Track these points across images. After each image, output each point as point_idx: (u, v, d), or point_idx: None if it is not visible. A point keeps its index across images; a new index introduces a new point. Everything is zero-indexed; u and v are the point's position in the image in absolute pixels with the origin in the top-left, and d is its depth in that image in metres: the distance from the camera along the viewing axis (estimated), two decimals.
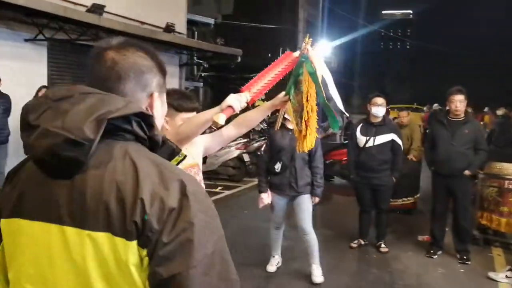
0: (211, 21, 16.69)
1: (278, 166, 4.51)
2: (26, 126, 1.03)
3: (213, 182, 9.69)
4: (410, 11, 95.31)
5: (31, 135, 1.00)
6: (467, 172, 5.09)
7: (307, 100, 2.30)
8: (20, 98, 7.26)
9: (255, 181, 10.19)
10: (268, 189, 4.71)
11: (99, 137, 0.99)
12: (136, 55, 1.16)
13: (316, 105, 2.30)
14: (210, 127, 2.51)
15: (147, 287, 0.97)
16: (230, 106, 2.04)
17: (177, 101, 2.38)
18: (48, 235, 1.02)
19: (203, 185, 2.47)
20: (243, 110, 2.23)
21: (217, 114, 1.99)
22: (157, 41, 11.29)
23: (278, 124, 2.90)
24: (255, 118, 2.57)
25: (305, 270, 4.74)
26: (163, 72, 1.22)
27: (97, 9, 8.87)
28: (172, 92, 2.41)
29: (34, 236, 1.04)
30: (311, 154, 4.49)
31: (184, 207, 0.98)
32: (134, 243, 0.95)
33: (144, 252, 0.96)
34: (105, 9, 9.12)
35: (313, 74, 2.26)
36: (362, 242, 5.68)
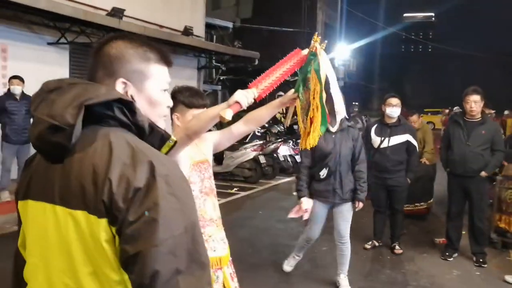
0: (230, 24, 16.85)
1: (323, 173, 4.25)
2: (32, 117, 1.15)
3: (229, 183, 9.76)
4: (432, 14, 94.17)
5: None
6: (483, 173, 5.03)
7: (314, 98, 2.34)
8: None
9: (271, 183, 10.31)
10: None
11: (79, 122, 1.07)
12: (127, 45, 1.22)
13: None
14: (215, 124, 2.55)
15: (118, 263, 1.04)
16: (237, 102, 2.06)
17: (188, 98, 2.42)
18: (45, 214, 1.12)
19: (213, 182, 2.51)
20: (251, 107, 2.26)
21: (224, 110, 2.02)
22: (176, 44, 11.46)
23: (288, 122, 2.94)
24: (264, 115, 2.59)
25: (329, 277, 4.67)
26: (166, 62, 1.28)
27: (117, 12, 9.07)
28: (182, 89, 2.47)
29: (37, 215, 1.15)
30: (354, 158, 4.31)
31: (150, 188, 1.02)
32: (104, 220, 1.02)
33: (114, 229, 1.02)
34: (125, 13, 9.32)
35: (317, 72, 2.30)
36: (376, 244, 5.65)
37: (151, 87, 1.25)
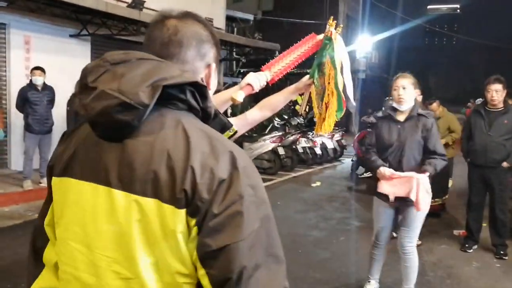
0: (251, 17, 16.80)
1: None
2: (83, 87, 1.02)
3: None
4: (457, 6, 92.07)
5: (88, 96, 0.99)
6: (505, 164, 4.92)
7: (329, 83, 2.31)
8: (64, 91, 7.62)
9: (290, 175, 10.30)
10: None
11: (153, 103, 0.99)
12: (196, 25, 1.16)
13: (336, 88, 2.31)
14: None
15: (194, 257, 0.97)
16: (249, 84, 2.04)
17: None
18: (95, 196, 1.03)
19: None
20: (263, 90, 2.24)
21: (236, 92, 2.00)
22: None
23: (303, 109, 2.92)
24: (279, 101, 2.57)
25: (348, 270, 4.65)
26: (217, 46, 1.21)
27: (137, 4, 9.14)
28: None
29: (82, 196, 1.05)
30: (426, 152, 3.62)
31: (234, 180, 0.97)
32: (183, 211, 0.95)
33: (193, 221, 0.96)
34: (145, 5, 9.38)
35: (332, 57, 2.26)
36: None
37: (215, 73, 1.23)
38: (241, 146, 10.20)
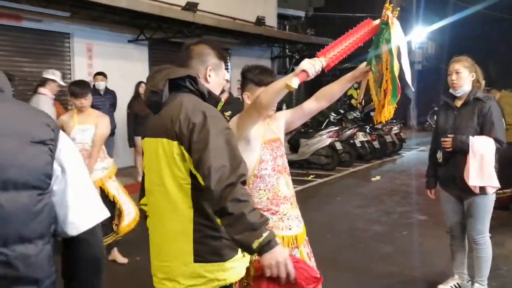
0: (302, 14, 16.68)
1: (439, 156, 3.58)
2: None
3: (305, 171, 9.71)
4: None
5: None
6: None
7: (387, 69, 2.24)
8: (125, 94, 7.94)
9: (349, 170, 10.13)
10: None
11: (166, 88, 1.84)
12: (203, 46, 2.01)
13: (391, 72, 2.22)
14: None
15: (192, 168, 1.75)
16: (304, 71, 2.01)
17: (257, 76, 2.40)
18: (150, 144, 1.91)
19: (285, 161, 2.48)
20: (318, 76, 2.16)
21: (290, 78, 1.98)
22: (249, 35, 11.58)
23: (361, 97, 2.85)
24: (335, 91, 2.52)
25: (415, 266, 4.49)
26: (220, 57, 2.04)
27: (191, 7, 9.33)
28: (252, 68, 2.46)
29: (148, 147, 1.93)
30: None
31: (203, 123, 1.73)
32: (175, 142, 1.77)
33: (182, 147, 1.76)
34: (198, 7, 9.55)
35: (388, 42, 2.19)
36: None
37: (221, 74, 2.07)
38: (297, 142, 10.15)
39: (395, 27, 2.23)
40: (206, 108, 1.78)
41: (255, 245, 1.62)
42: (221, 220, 1.69)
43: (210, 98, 1.90)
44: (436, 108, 8.41)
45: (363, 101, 13.77)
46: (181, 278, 1.83)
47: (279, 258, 1.68)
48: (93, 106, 7.25)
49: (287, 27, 16.03)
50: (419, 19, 22.65)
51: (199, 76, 1.94)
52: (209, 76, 1.98)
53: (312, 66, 2.01)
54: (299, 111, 2.62)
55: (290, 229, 2.36)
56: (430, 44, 23.74)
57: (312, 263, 2.47)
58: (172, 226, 1.84)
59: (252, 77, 2.41)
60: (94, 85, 7.40)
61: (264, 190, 2.34)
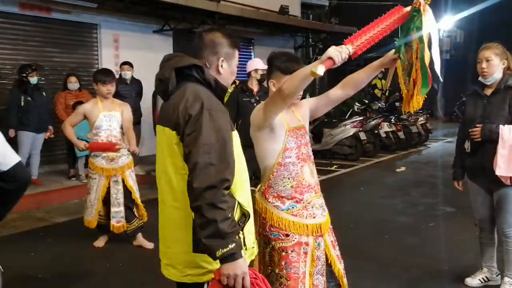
0: (326, 2, 16.48)
1: (467, 145, 3.48)
2: None
3: (328, 161, 9.67)
4: None
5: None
6: None
7: (417, 58, 2.19)
8: (150, 83, 7.93)
9: (373, 160, 10.05)
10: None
11: (173, 77, 1.84)
12: (215, 35, 1.95)
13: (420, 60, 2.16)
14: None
15: (184, 158, 1.76)
16: (330, 58, 1.96)
17: (284, 64, 2.38)
18: (160, 133, 1.91)
19: (309, 149, 2.47)
20: (343, 65, 2.09)
21: (316, 65, 1.94)
22: (272, 24, 11.52)
23: (388, 84, 2.81)
24: (362, 78, 2.48)
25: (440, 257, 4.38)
26: (233, 47, 1.98)
27: None
28: (279, 55, 2.44)
29: (158, 134, 1.94)
30: None
31: (199, 115, 1.73)
32: (174, 132, 1.79)
33: (178, 138, 1.78)
34: None
35: (419, 29, 2.14)
36: None
37: (234, 63, 2.01)
38: (320, 132, 10.09)
39: (428, 14, 2.18)
40: (206, 100, 1.76)
41: (218, 253, 1.65)
42: (194, 216, 1.69)
43: (216, 87, 1.88)
44: (464, 98, 8.35)
45: (387, 91, 13.57)
46: (181, 266, 1.86)
47: (237, 271, 1.69)
48: (119, 95, 7.42)
49: (311, 16, 15.85)
50: (448, 7, 22.10)
51: (210, 67, 1.93)
52: (221, 67, 1.94)
53: (338, 53, 1.97)
54: (324, 99, 2.59)
55: (314, 217, 2.36)
56: (459, 33, 23.16)
57: (336, 251, 2.49)
58: (174, 214, 1.86)
59: (278, 65, 2.40)
60: (120, 75, 7.52)
61: (288, 178, 2.34)
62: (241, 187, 1.86)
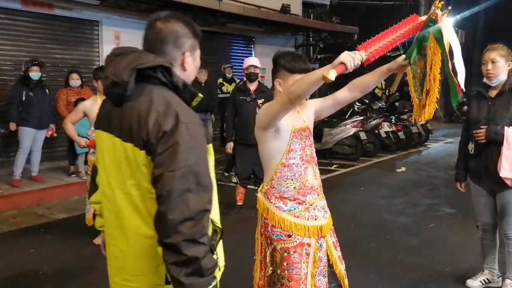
0: (327, 1, 16.47)
1: (471, 147, 3.47)
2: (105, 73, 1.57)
3: (328, 161, 9.66)
4: None
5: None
6: None
7: (431, 68, 2.16)
8: None
9: (373, 160, 10.04)
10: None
11: (132, 80, 1.48)
12: (176, 24, 1.60)
13: (440, 74, 2.15)
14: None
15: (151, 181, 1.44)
16: (342, 63, 1.94)
17: (290, 63, 2.36)
18: (106, 140, 1.59)
19: (313, 150, 2.46)
20: (357, 71, 2.07)
21: (328, 70, 1.92)
22: (274, 23, 11.51)
23: (394, 87, 2.79)
24: (370, 82, 2.46)
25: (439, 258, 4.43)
26: (196, 36, 1.65)
27: None
28: (284, 54, 2.42)
29: (103, 142, 1.61)
30: None
31: (174, 131, 1.41)
32: (143, 152, 1.45)
33: (149, 158, 1.45)
34: None
35: (439, 41, 2.10)
36: None
37: (198, 56, 1.69)
38: (320, 131, 10.08)
39: (446, 25, 2.13)
40: (181, 111, 1.45)
41: None
42: (165, 253, 1.40)
43: (185, 91, 1.56)
44: (465, 99, 8.25)
45: (387, 91, 13.57)
46: None
47: None
48: None
49: (312, 15, 15.84)
50: (449, 6, 22.07)
51: (174, 65, 1.59)
52: (187, 63, 1.62)
53: (351, 59, 1.95)
54: (330, 100, 2.58)
55: (315, 219, 2.36)
56: (460, 33, 23.17)
57: (338, 252, 2.48)
58: (143, 242, 1.52)
59: (284, 64, 2.38)
60: None
61: (292, 180, 2.34)
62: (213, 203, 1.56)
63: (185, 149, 1.40)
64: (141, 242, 1.53)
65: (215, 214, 1.58)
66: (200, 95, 1.60)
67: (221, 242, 1.63)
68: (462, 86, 2.18)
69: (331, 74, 1.90)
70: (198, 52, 1.68)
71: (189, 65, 1.64)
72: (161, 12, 1.64)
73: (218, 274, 1.57)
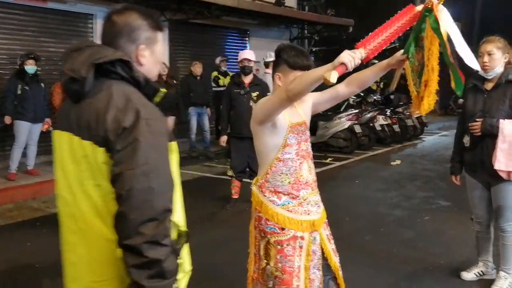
0: None
1: (467, 140, 3.48)
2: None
3: (323, 154, 9.67)
4: None
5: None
6: None
7: (428, 59, 2.12)
8: None
9: (368, 153, 10.07)
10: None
11: (90, 75, 1.43)
12: (131, 16, 1.54)
13: (438, 64, 2.11)
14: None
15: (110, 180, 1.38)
16: (343, 63, 1.92)
17: (292, 58, 2.33)
18: (65, 140, 1.50)
19: (309, 145, 2.45)
20: (357, 69, 2.08)
21: (329, 71, 1.89)
22: (268, 16, 11.47)
23: (394, 85, 2.78)
24: (368, 77, 2.46)
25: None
26: (155, 28, 1.57)
27: None
28: (287, 48, 2.39)
29: (60, 141, 1.54)
30: None
31: (134, 128, 1.36)
32: (102, 149, 1.39)
33: (109, 155, 1.38)
34: None
35: (436, 30, 2.07)
36: None
37: (158, 49, 1.60)
38: (315, 125, 10.08)
39: (442, 13, 2.09)
40: (141, 106, 1.40)
41: None
42: (125, 255, 1.35)
43: (146, 87, 1.51)
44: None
45: (382, 84, 13.58)
46: None
47: None
48: None
49: (307, 7, 15.79)
50: None
51: (142, 60, 1.55)
52: (142, 56, 1.54)
53: (352, 58, 1.93)
54: (328, 95, 2.57)
55: (308, 214, 2.37)
56: (456, 24, 23.14)
57: (332, 245, 2.49)
58: (101, 244, 1.46)
59: (286, 58, 2.34)
60: None
61: (286, 174, 2.34)
62: (175, 204, 1.49)
63: (146, 146, 1.35)
64: (104, 246, 1.44)
65: (179, 216, 1.52)
66: (163, 90, 1.56)
67: (187, 246, 1.56)
68: (475, 65, 2.14)
69: (333, 76, 1.88)
70: (158, 46, 1.59)
71: (145, 58, 1.55)
72: (119, 4, 1.60)
73: (185, 279, 1.55)
